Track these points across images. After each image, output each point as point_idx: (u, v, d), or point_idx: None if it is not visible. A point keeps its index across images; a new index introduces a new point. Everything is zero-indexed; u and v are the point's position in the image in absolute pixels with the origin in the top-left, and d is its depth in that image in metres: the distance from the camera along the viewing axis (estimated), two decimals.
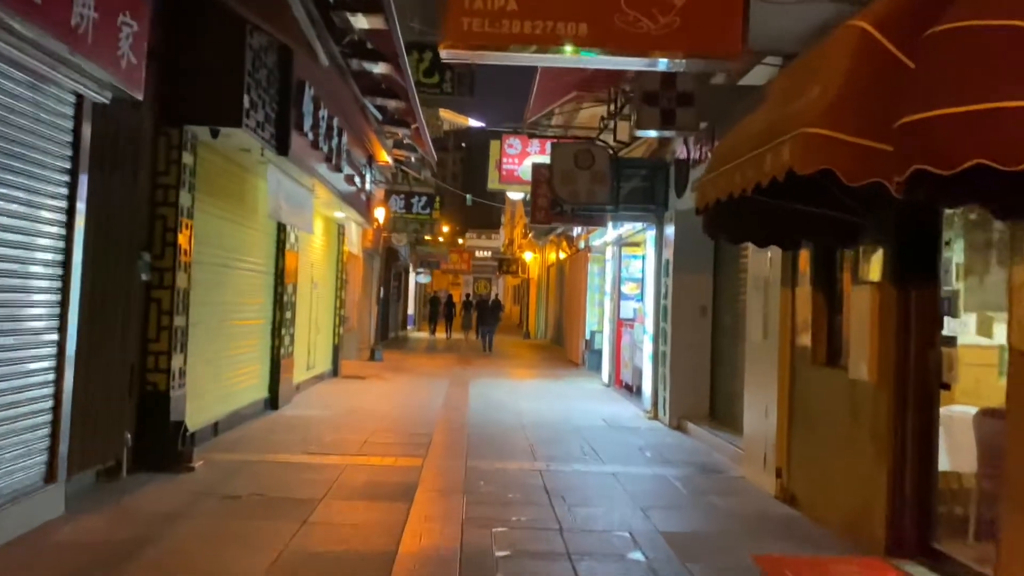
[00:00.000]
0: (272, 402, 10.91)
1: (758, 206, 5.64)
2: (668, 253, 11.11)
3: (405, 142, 14.13)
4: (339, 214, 13.29)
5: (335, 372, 15.55)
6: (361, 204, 13.95)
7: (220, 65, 7.10)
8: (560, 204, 11.39)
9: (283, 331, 11.09)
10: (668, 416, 10.85)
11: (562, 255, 25.93)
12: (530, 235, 30.45)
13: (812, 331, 6.54)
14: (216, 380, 8.78)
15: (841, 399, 5.99)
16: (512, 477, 7.43)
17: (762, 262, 7.60)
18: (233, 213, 9.00)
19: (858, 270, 5.81)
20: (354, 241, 13.83)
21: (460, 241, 59.55)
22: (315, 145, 9.71)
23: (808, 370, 6.64)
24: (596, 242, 16.47)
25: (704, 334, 10.84)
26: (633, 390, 14.07)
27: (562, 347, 25.38)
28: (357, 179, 12.95)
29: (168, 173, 7.08)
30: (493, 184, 18.80)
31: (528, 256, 34.44)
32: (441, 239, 37.92)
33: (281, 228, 10.94)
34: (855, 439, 5.76)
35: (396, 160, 15.61)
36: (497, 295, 54.49)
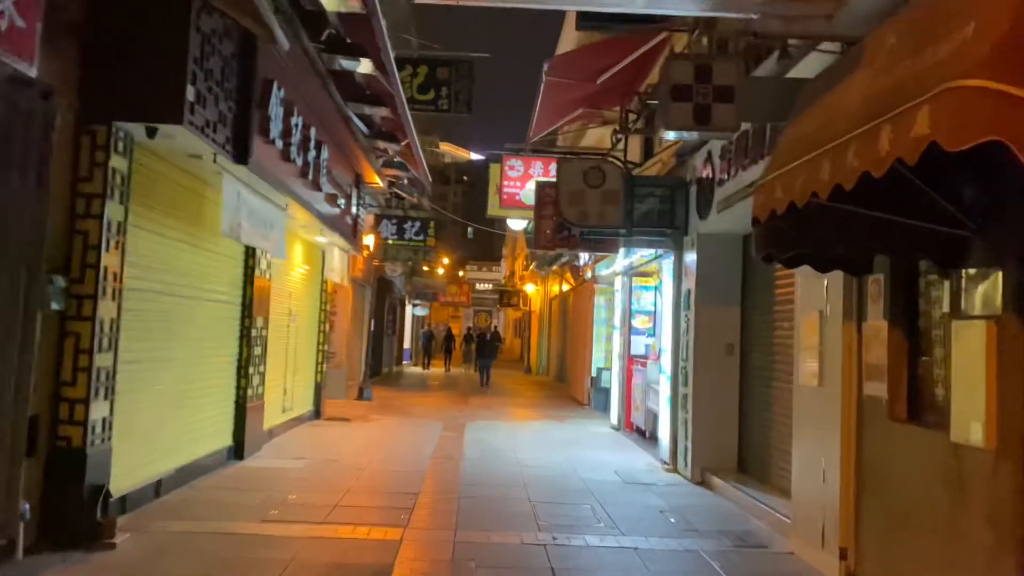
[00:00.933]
0: (237, 451, 9.53)
1: (830, 217, 4.34)
2: (689, 283, 9.80)
3: (396, 160, 12.89)
4: (321, 239, 12.03)
5: (317, 414, 14.16)
6: (347, 228, 12.68)
7: (158, 47, 5.85)
8: (567, 227, 10.13)
9: (251, 369, 9.74)
10: (690, 468, 9.46)
11: (565, 287, 24.65)
12: (532, 266, 29.16)
13: (888, 378, 5.20)
14: (161, 429, 7.43)
15: (935, 468, 4.62)
16: (511, 555, 6.04)
17: (815, 291, 6.27)
18: (185, 232, 7.70)
19: (962, 300, 4.48)
20: (336, 268, 12.55)
21: (460, 273, 58.40)
22: (286, 156, 8.45)
23: (883, 427, 5.28)
24: (604, 272, 15.18)
25: (731, 375, 9.49)
26: (646, 435, 12.67)
27: (565, 384, 23.97)
28: (341, 200, 11.68)
29: (92, 179, 5.81)
30: (493, 210, 17.58)
31: (530, 288, 33.16)
32: (441, 270, 36.66)
33: (250, 253, 9.65)
34: (960, 522, 4.39)
35: (389, 183, 14.36)
36: (496, 327, 53.13)
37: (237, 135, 7.05)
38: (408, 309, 32.48)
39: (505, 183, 15.25)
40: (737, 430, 9.44)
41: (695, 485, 9.24)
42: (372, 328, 18.22)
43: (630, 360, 13.96)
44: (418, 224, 16.12)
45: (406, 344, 32.96)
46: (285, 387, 12.03)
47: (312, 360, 14.01)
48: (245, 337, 9.63)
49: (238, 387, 9.59)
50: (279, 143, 8.10)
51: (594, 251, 10.68)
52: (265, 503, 7.36)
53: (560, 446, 11.92)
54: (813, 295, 6.31)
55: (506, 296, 38.96)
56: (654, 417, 12.47)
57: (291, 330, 12.27)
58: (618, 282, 14.49)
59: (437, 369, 32.55)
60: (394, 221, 16.15)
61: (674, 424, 10.13)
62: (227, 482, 8.30)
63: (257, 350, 9.96)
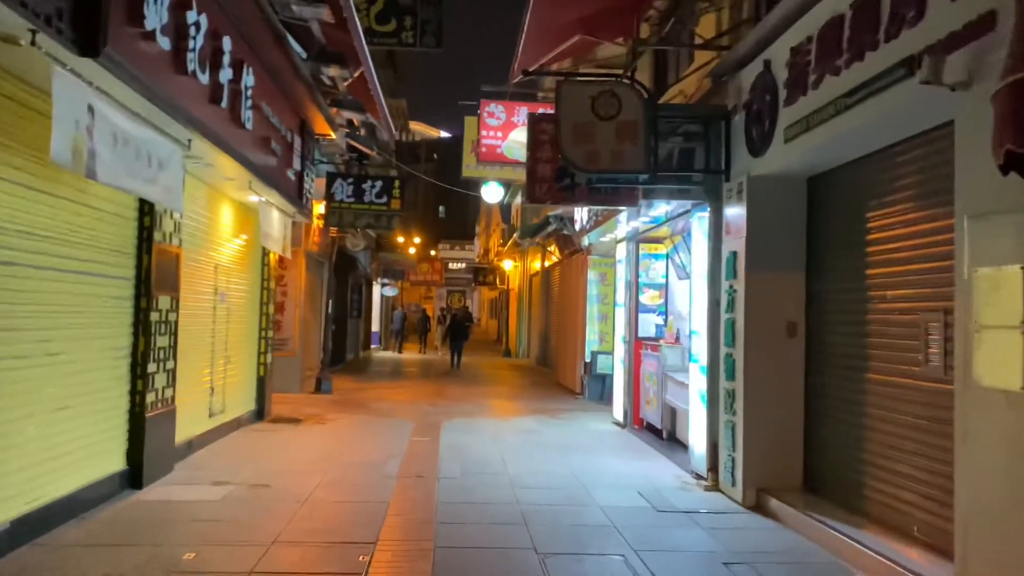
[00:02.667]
0: (132, 477, 7.04)
1: None
2: (734, 243, 7.45)
3: (348, 98, 10.35)
4: (255, 198, 9.49)
5: (260, 414, 11.67)
6: (288, 186, 10.16)
7: None
8: (570, 173, 7.73)
9: (152, 367, 7.24)
10: (740, 487, 7.16)
11: (549, 262, 22.27)
12: (513, 238, 26.72)
13: None
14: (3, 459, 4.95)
15: None
16: None
17: (1006, 235, 3.94)
18: (31, 174, 5.19)
19: None
20: (276, 236, 10.01)
21: (432, 252, 55.79)
22: (180, 66, 5.93)
23: None
24: (602, 239, 12.78)
25: (793, 363, 7.17)
26: (664, 435, 10.36)
27: (550, 368, 21.66)
28: (277, 147, 9.16)
29: None
30: (469, 170, 15.14)
31: (507, 265, 30.74)
32: (413, 249, 34.04)
33: (146, 209, 7.13)
34: None
35: (345, 133, 11.81)
36: (468, 307, 50.74)
37: (78, 10, 4.54)
38: (376, 289, 29.91)
39: (483, 134, 12.74)
40: (803, 436, 7.14)
41: (750, 512, 6.94)
42: (331, 310, 15.71)
43: (638, 343, 11.63)
44: (379, 184, 13.55)
45: (374, 327, 30.41)
46: (212, 385, 9.53)
47: (252, 349, 11.50)
48: (141, 324, 7.12)
49: (133, 391, 7.09)
50: (165, 43, 5.58)
51: (604, 205, 8.32)
52: (144, 566, 4.92)
53: (560, 452, 9.57)
54: (1002, 242, 3.97)
55: (481, 274, 36.52)
56: (672, 413, 10.17)
57: (220, 313, 9.76)
58: (621, 250, 12.12)
59: (410, 354, 30.07)
60: (350, 181, 13.56)
61: (712, 427, 7.81)
62: (102, 530, 5.82)
63: (162, 340, 7.46)
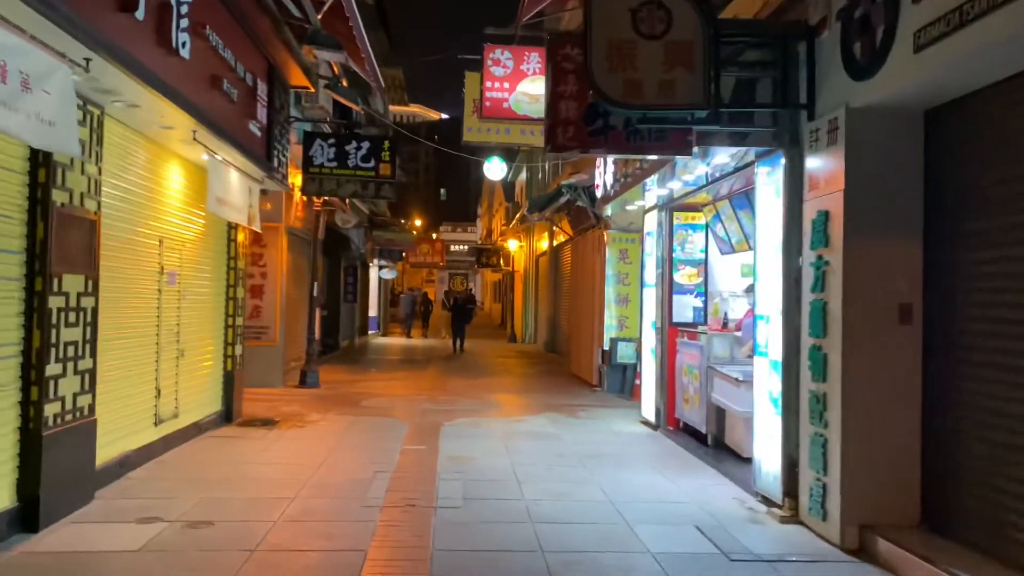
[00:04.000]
0: (26, 516, 5.29)
1: None
2: (825, 202, 5.63)
3: (322, 35, 8.51)
4: (206, 155, 7.65)
5: (228, 416, 9.92)
6: (253, 143, 8.36)
7: None
8: (603, 111, 5.92)
9: (55, 368, 5.47)
10: (835, 521, 5.39)
11: (557, 241, 20.46)
12: (518, 216, 24.92)
13: None
14: None
15: None
16: None
17: None
18: None
19: None
20: (235, 203, 8.16)
21: (433, 236, 54.02)
22: None
23: None
24: (628, 208, 10.92)
25: (907, 359, 5.38)
26: (708, 440, 8.61)
27: (559, 355, 19.91)
28: (232, 89, 7.34)
29: None
30: (471, 134, 13.29)
31: (512, 245, 28.92)
32: (411, 228, 32.20)
33: (40, 159, 5.33)
34: None
35: (324, 84, 9.97)
36: (471, 290, 48.97)
37: None
38: (372, 272, 28.11)
39: (487, 86, 10.84)
40: (919, 457, 5.36)
41: (855, 559, 5.18)
42: (317, 294, 13.91)
43: (672, 331, 9.84)
44: (366, 145, 11.61)
45: (371, 311, 28.63)
46: (158, 386, 7.76)
47: (216, 340, 9.73)
48: (36, 312, 5.34)
49: (25, 402, 5.32)
50: None
51: (647, 154, 6.47)
52: None
53: (586, 465, 7.80)
54: None
55: (484, 255, 34.68)
56: (719, 414, 8.41)
57: (169, 298, 7.97)
58: (650, 221, 10.29)
59: (411, 340, 28.32)
60: (331, 142, 11.62)
61: (790, 441, 6.04)
62: None
63: (71, 333, 5.68)
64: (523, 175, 31.33)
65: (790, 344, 6.09)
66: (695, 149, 6.30)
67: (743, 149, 6.92)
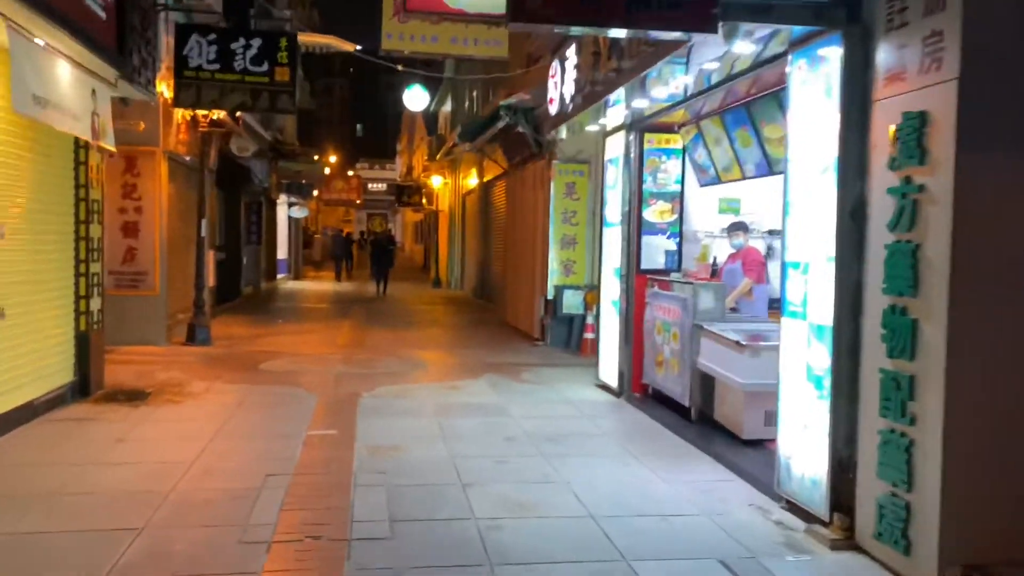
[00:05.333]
0: None
1: None
2: (921, 99, 3.87)
3: None
4: (9, 31, 5.31)
5: (84, 388, 7.74)
6: (91, 24, 6.05)
7: None
8: None
9: None
10: (929, 556, 3.78)
11: (488, 176, 18.46)
12: (445, 148, 22.69)
13: None
14: None
15: None
16: None
17: None
18: None
19: None
20: (66, 108, 5.83)
21: (349, 173, 51.01)
22: None
23: None
24: (588, 128, 9.02)
25: None
26: (692, 414, 6.97)
27: (491, 303, 18.12)
28: None
29: None
30: (391, 42, 11.00)
31: (436, 182, 26.72)
32: (323, 162, 29.45)
33: None
34: None
35: None
36: (391, 231, 46.49)
37: None
38: (280, 210, 25.51)
39: None
40: None
41: None
42: (204, 233, 11.59)
43: (640, 279, 8.11)
44: (257, 43, 9.16)
45: (281, 254, 26.10)
46: None
47: (63, 293, 7.48)
48: None
49: None
50: None
51: (659, 29, 4.60)
52: None
53: (545, 453, 6.04)
54: None
55: (405, 194, 32.37)
56: (706, 383, 6.77)
57: None
58: (613, 145, 8.45)
59: (325, 284, 26.01)
60: (211, 39, 9.10)
61: (840, 436, 4.40)
62: None
63: None
64: (447, 105, 28.99)
65: (844, 303, 4.40)
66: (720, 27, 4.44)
67: (757, 38, 5.10)
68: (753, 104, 6.57)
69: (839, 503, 4.42)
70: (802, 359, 4.74)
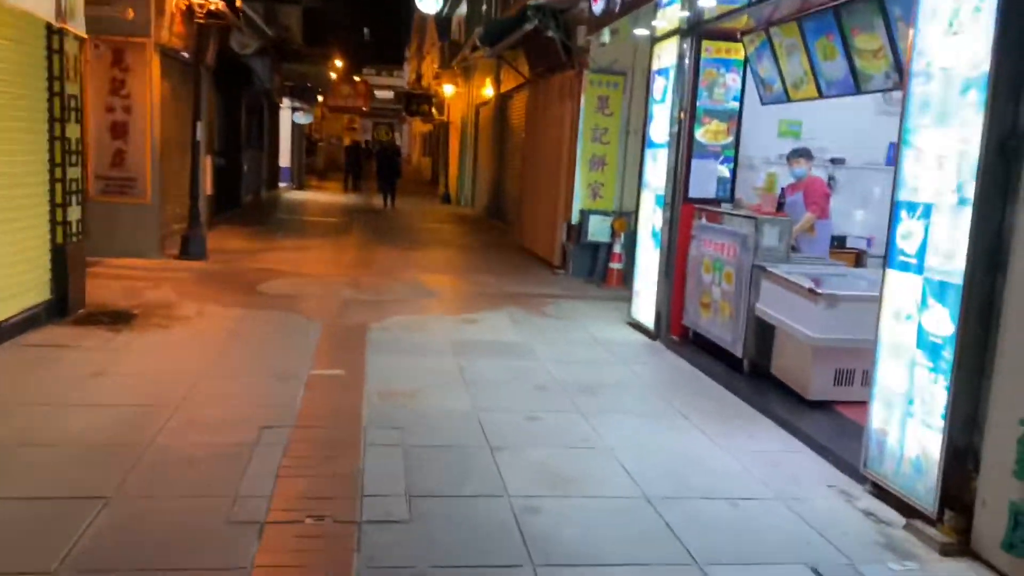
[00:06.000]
0: None
1: None
2: None
3: None
4: None
5: (62, 307, 6.94)
6: None
7: None
8: None
9: None
10: None
11: (505, 87, 17.24)
12: (461, 56, 21.29)
13: None
14: None
15: None
16: None
17: None
18: None
19: None
20: None
21: (356, 79, 49.20)
22: None
23: None
24: (637, 31, 7.90)
25: None
26: (744, 366, 6.17)
27: (504, 223, 17.19)
28: None
29: None
30: None
31: (448, 91, 25.35)
32: (333, 74, 27.88)
33: None
34: None
35: None
36: (395, 141, 45.01)
37: None
38: (284, 114, 24.26)
39: None
40: None
41: None
42: (200, 136, 10.59)
43: (687, 208, 7.20)
44: None
45: (283, 161, 24.99)
46: None
47: (35, 201, 6.59)
48: None
49: None
50: None
51: None
52: None
53: (581, 409, 5.27)
54: None
55: (414, 102, 30.90)
56: (764, 332, 5.95)
57: None
58: (664, 53, 7.40)
59: (325, 195, 25.01)
60: None
61: (961, 418, 3.60)
62: None
63: None
64: (462, 9, 27.32)
65: (979, 257, 3.53)
66: None
67: None
68: (844, 7, 5.53)
69: (951, 498, 3.65)
70: (912, 321, 3.89)
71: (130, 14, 9.57)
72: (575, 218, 10.89)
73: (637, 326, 7.85)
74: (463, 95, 24.30)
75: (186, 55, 11.22)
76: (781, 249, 6.00)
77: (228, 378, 5.54)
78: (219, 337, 6.64)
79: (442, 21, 30.41)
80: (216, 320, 7.24)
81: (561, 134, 11.51)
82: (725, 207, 6.94)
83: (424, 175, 39.16)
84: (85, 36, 6.63)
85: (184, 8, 10.54)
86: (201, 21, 10.31)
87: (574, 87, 10.99)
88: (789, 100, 6.72)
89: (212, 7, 10.64)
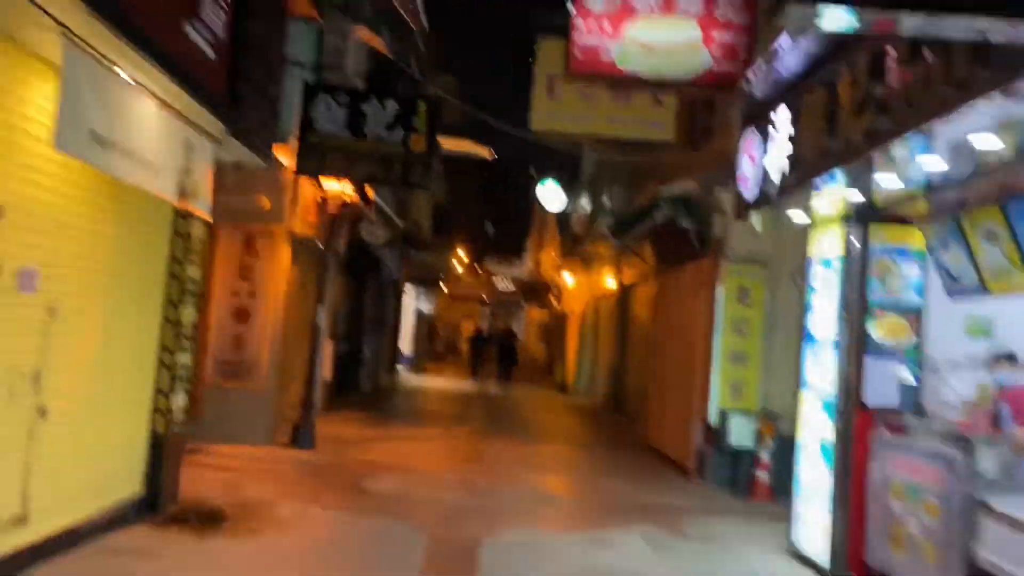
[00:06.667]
0: None
1: None
2: None
3: None
4: (63, 43, 4.14)
5: (153, 502, 6.33)
6: (189, 56, 4.90)
7: None
8: None
9: None
10: None
11: (627, 280, 16.75)
12: (585, 247, 21.18)
13: None
14: None
15: None
16: None
17: None
18: None
19: None
20: (154, 163, 4.59)
21: (478, 269, 50.69)
22: None
23: None
24: (794, 212, 7.15)
25: None
26: None
27: (625, 417, 16.05)
28: None
29: None
30: (541, 121, 9.72)
31: (567, 281, 25.22)
32: (456, 264, 28.61)
33: None
34: None
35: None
36: (512, 328, 45.13)
37: None
38: (407, 301, 24.61)
39: (579, 28, 7.11)
40: None
41: None
42: (322, 321, 10.39)
43: (863, 417, 6.03)
44: (392, 106, 7.90)
45: (404, 346, 25.04)
46: None
47: (138, 387, 6.19)
48: None
49: None
50: None
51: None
52: None
53: None
54: None
55: (533, 291, 31.03)
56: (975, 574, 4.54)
57: (15, 313, 4.46)
58: (825, 240, 6.58)
59: (443, 380, 24.68)
60: (342, 100, 7.93)
61: None
62: None
63: None
64: (583, 202, 27.75)
65: None
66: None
67: None
68: None
69: None
70: None
71: (267, 204, 9.69)
72: (713, 418, 9.75)
73: (801, 558, 6.48)
74: (582, 284, 24.07)
75: (317, 242, 11.29)
76: (1003, 477, 4.73)
77: None
78: (310, 553, 5.79)
79: (562, 215, 31.05)
80: (312, 527, 6.43)
81: (694, 326, 10.64)
82: (909, 419, 5.76)
83: (540, 362, 38.71)
84: (210, 220, 6.46)
85: (319, 199, 10.68)
86: (335, 212, 10.36)
87: (709, 277, 10.23)
88: (988, 293, 5.67)
89: (347, 199, 10.74)
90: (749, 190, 6.69)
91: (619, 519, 7.55)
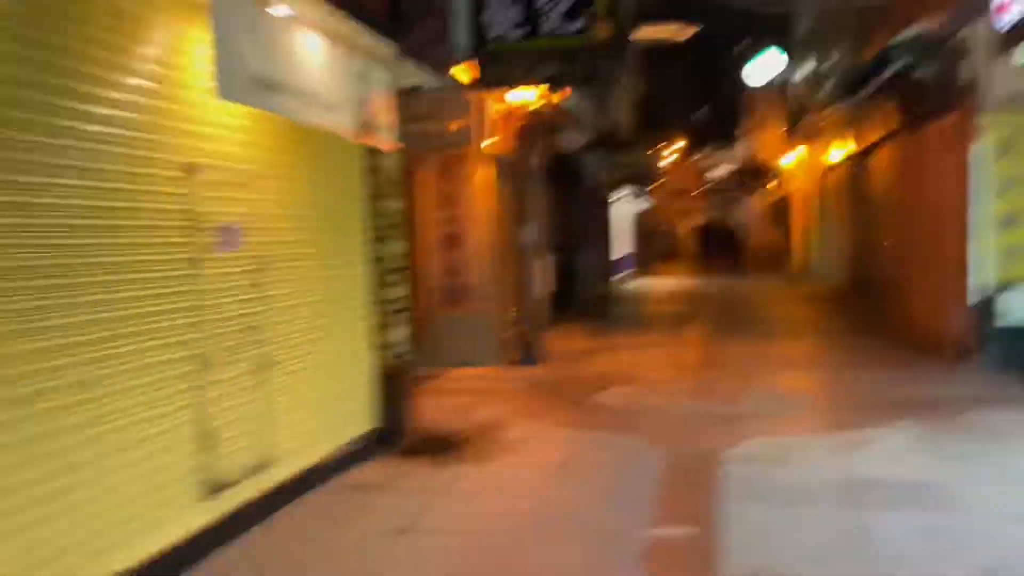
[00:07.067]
0: None
1: None
2: None
3: None
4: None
5: (388, 437, 6.50)
6: None
7: None
8: None
9: None
10: None
11: (857, 145, 14.90)
12: (811, 116, 19.30)
13: None
14: None
15: None
16: None
17: None
18: None
19: None
20: (326, 99, 4.36)
21: (690, 161, 48.51)
22: None
23: None
24: None
25: None
26: None
27: (867, 299, 14.54)
28: None
29: None
30: None
31: (790, 159, 23.22)
32: (661, 154, 27.29)
33: None
34: None
35: None
36: (729, 220, 42.98)
37: None
38: (617, 205, 23.91)
39: None
40: None
41: None
42: (533, 236, 10.18)
43: None
44: None
45: (622, 251, 24.52)
46: (206, 426, 4.38)
47: (356, 328, 6.28)
48: None
49: None
50: None
51: None
52: None
53: None
54: None
55: (755, 176, 29.07)
56: None
57: (219, 272, 4.54)
58: None
59: (664, 282, 24.03)
60: None
61: None
62: None
63: None
64: (803, 71, 25.20)
65: None
66: None
67: None
68: None
69: None
70: None
71: (455, 126, 9.48)
72: (979, 295, 8.39)
73: None
74: (808, 161, 22.04)
75: (513, 158, 11.00)
76: None
77: (546, 544, 4.43)
78: (544, 473, 5.64)
79: (780, 88, 28.50)
80: (544, 448, 6.29)
81: (945, 190, 9.14)
82: None
83: (769, 250, 36.63)
84: (387, 147, 6.27)
85: (508, 112, 10.31)
86: (527, 124, 9.96)
87: (961, 133, 8.67)
88: None
89: (537, 107, 10.28)
90: (1011, 17, 5.34)
91: (878, 416, 6.70)
